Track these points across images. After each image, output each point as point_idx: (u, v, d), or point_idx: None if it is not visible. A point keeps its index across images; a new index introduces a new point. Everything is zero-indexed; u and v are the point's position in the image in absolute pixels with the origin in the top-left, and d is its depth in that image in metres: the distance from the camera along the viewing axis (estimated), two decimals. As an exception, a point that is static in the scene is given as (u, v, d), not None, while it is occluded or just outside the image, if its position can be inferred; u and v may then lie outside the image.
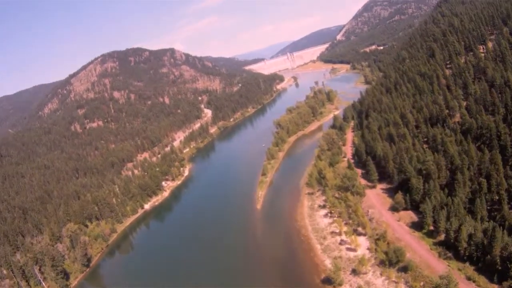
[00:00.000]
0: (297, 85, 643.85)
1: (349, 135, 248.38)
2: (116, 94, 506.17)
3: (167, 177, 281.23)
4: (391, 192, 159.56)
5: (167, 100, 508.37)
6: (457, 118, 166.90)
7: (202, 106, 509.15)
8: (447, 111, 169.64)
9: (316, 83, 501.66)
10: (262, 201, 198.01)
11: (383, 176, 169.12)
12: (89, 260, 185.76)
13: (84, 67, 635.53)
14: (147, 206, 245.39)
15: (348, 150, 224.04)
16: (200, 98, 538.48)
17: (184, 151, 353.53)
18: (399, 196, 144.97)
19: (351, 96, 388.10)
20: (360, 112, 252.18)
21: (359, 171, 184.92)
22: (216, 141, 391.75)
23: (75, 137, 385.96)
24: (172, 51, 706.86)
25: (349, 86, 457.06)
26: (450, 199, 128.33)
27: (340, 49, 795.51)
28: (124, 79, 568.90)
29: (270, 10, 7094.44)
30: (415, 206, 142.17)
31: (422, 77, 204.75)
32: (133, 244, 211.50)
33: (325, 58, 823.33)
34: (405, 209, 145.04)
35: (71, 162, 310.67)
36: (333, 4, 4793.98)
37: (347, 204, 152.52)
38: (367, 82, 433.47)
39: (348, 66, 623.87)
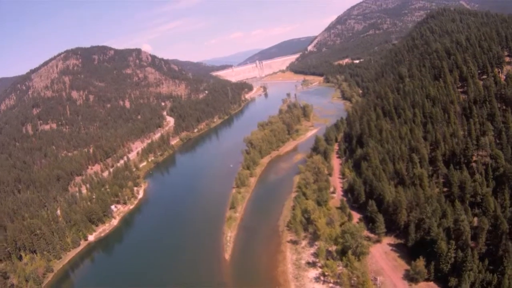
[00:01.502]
0: (266, 95, 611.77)
1: (335, 162, 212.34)
2: (74, 94, 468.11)
3: (118, 198, 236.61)
4: (402, 251, 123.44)
5: (127, 104, 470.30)
6: (484, 157, 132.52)
7: (165, 113, 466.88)
8: (473, 148, 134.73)
9: (288, 95, 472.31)
10: (231, 248, 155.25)
11: (390, 227, 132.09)
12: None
13: (46, 63, 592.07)
14: (91, 238, 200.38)
15: (337, 182, 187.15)
16: (163, 104, 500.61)
17: (141, 165, 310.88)
18: (421, 263, 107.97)
19: (329, 113, 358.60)
20: (349, 136, 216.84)
21: (354, 215, 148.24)
22: (178, 155, 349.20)
23: (25, 140, 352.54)
24: (138, 51, 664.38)
25: (325, 101, 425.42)
26: (495, 277, 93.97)
27: (312, 61, 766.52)
28: (86, 78, 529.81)
29: (240, 17, 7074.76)
30: (440, 277, 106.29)
31: (431, 102, 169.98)
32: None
33: (295, 69, 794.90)
34: (427, 279, 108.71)
35: (14, 171, 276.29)
36: (304, 15, 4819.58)
37: (349, 270, 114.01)
38: (345, 98, 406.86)
39: (321, 79, 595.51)
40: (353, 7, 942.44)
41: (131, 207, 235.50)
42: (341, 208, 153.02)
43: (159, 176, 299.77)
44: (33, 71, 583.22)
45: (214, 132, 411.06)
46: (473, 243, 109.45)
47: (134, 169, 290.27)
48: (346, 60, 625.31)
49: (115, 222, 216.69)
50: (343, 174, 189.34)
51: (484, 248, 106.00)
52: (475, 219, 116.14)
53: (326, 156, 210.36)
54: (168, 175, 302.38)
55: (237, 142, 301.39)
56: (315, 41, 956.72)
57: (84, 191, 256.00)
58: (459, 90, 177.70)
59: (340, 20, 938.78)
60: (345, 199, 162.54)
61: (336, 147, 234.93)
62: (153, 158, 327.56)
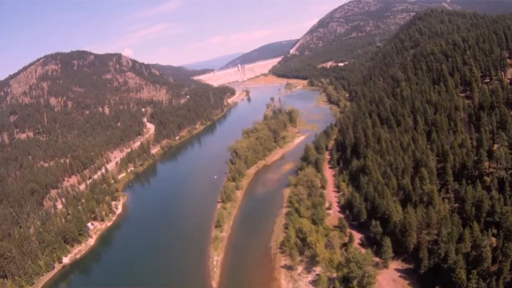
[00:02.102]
0: (249, 99, 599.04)
1: (327, 173, 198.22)
2: (52, 101, 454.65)
3: (94, 215, 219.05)
4: (412, 277, 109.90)
5: (107, 111, 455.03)
6: (498, 171, 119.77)
7: (145, 119, 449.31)
8: (487, 160, 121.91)
9: (272, 99, 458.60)
10: (219, 274, 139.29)
11: (397, 250, 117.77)
12: None
13: (25, 68, 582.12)
14: (66, 260, 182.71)
15: (332, 196, 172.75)
16: (143, 110, 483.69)
17: (120, 176, 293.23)
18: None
19: (316, 118, 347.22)
20: (342, 145, 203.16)
21: (355, 234, 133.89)
22: (159, 164, 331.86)
23: (1, 150, 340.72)
24: (118, 56, 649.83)
25: (310, 105, 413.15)
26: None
27: (294, 64, 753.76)
28: (65, 84, 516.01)
29: (221, 21, 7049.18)
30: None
31: (433, 108, 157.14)
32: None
33: (278, 72, 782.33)
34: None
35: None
36: (285, 18, 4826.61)
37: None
38: (331, 102, 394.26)
39: (304, 82, 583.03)
40: (335, 10, 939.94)
41: (109, 223, 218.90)
42: (340, 227, 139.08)
43: (139, 188, 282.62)
44: (11, 76, 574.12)
45: (197, 140, 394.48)
46: (492, 267, 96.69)
47: (112, 181, 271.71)
48: (330, 63, 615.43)
49: (91, 241, 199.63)
50: (337, 187, 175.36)
51: (508, 277, 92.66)
52: (493, 239, 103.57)
53: (317, 166, 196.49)
54: (149, 187, 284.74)
55: (220, 150, 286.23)
56: (298, 44, 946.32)
57: (59, 206, 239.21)
58: (462, 95, 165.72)
59: (322, 23, 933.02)
60: (343, 216, 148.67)
61: (327, 155, 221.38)
62: (132, 168, 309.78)
